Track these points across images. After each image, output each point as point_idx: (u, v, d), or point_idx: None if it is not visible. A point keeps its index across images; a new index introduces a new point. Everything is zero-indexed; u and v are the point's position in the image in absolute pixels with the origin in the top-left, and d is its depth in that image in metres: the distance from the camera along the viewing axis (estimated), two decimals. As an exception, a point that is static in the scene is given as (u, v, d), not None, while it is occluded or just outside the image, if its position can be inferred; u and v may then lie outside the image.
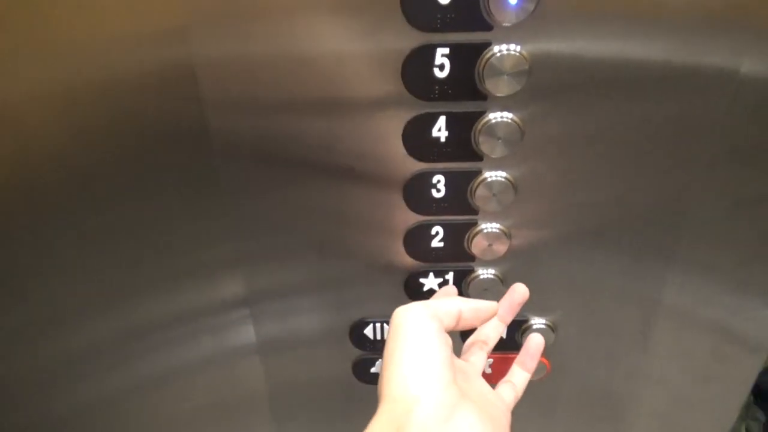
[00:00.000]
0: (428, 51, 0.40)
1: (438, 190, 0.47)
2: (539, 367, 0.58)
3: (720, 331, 0.55)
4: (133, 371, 0.58)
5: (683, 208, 0.48)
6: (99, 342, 0.56)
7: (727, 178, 0.46)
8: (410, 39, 0.40)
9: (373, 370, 0.59)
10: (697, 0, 0.38)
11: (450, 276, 0.52)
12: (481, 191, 0.46)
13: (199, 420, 0.63)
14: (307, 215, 0.50)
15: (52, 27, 0.39)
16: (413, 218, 0.49)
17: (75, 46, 0.40)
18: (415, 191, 0.47)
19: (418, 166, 0.46)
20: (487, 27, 0.39)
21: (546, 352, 0.57)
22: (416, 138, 0.44)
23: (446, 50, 0.40)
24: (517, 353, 0.54)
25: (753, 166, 0.45)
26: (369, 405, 0.63)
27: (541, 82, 0.42)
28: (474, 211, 0.48)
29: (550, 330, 0.55)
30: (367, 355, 0.58)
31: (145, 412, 0.62)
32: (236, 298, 0.55)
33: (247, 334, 0.57)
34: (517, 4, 0.38)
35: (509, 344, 0.56)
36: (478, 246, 0.49)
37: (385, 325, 0.56)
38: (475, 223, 0.49)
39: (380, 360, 0.58)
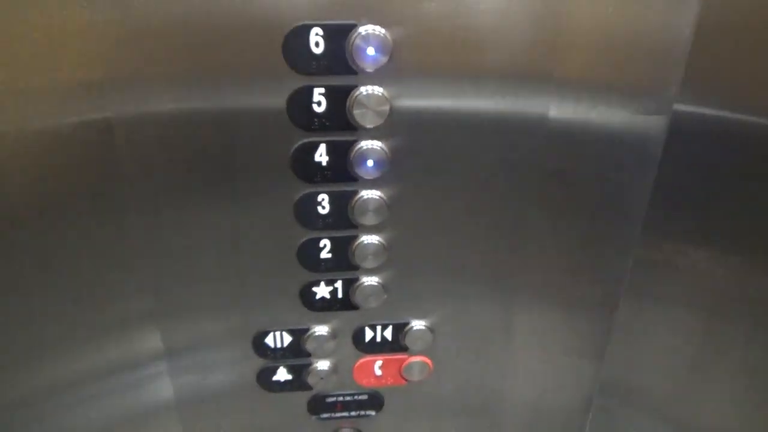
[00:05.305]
0: (307, 91, 0.50)
1: (323, 207, 0.56)
2: (422, 367, 0.66)
3: (566, 326, 0.66)
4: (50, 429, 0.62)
5: (520, 225, 0.59)
6: (12, 400, 0.59)
7: (553, 204, 0.58)
8: (292, 81, 0.50)
9: (274, 378, 0.65)
10: (508, 58, 0.50)
11: (339, 284, 0.60)
12: (359, 208, 0.55)
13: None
14: (208, 247, 0.57)
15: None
16: (304, 233, 0.57)
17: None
18: (304, 209, 0.56)
19: (305, 187, 0.55)
20: (353, 72, 0.50)
21: (427, 353, 0.66)
22: (302, 163, 0.53)
23: (322, 90, 0.50)
24: (404, 355, 0.63)
25: (570, 192, 0.57)
26: None
27: (401, 117, 0.52)
28: (355, 226, 0.57)
29: (429, 331, 0.64)
30: (269, 363, 0.64)
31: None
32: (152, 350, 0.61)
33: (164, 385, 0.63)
34: (374, 55, 0.48)
35: (394, 346, 0.64)
36: (360, 256, 0.58)
37: (285, 333, 0.63)
38: (356, 236, 0.58)
39: (282, 367, 0.65)
